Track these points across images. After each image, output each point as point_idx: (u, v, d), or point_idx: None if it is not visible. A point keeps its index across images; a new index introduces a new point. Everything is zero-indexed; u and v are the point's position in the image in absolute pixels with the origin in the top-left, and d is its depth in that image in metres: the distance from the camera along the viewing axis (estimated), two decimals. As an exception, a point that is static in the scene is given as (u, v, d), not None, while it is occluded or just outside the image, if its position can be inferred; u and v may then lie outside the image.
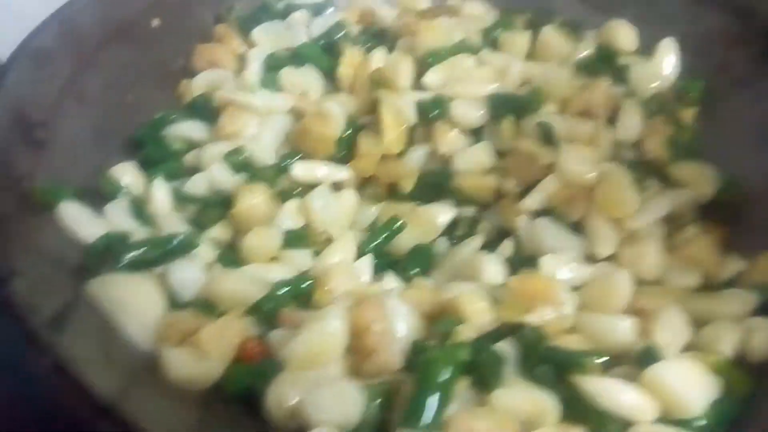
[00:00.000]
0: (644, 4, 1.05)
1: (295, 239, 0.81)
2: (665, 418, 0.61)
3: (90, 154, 0.81)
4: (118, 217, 0.75)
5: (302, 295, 0.73)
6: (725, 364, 0.66)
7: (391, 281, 0.79)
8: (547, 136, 0.86)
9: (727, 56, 1.00)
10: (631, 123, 0.90)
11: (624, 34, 1.03)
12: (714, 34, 1.02)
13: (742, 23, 0.99)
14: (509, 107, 0.90)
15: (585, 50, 1.03)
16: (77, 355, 0.52)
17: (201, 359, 0.60)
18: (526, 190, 0.85)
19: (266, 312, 0.69)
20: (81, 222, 0.70)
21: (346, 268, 0.77)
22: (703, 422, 0.61)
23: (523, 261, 0.79)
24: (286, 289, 0.72)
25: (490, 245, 0.84)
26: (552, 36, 1.03)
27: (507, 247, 0.82)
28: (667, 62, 1.01)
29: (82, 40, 0.86)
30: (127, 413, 0.49)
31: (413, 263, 0.82)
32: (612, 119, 0.91)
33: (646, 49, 1.03)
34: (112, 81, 0.89)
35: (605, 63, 1.00)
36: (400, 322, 0.66)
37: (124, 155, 0.86)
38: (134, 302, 0.63)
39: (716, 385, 0.64)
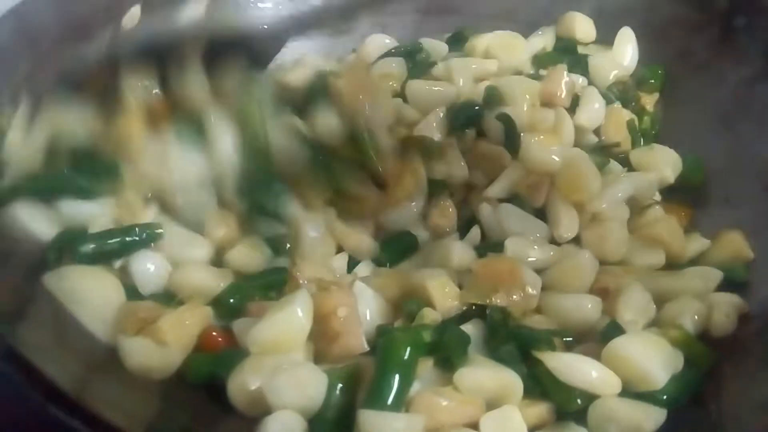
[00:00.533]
0: (601, -5, 1.06)
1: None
2: (628, 391, 0.61)
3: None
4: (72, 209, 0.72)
5: (274, 287, 0.72)
6: (687, 338, 0.67)
7: (364, 269, 0.79)
8: (509, 129, 0.86)
9: (686, 43, 1.01)
10: (592, 109, 0.91)
11: (581, 26, 1.04)
12: (672, 21, 1.03)
13: (699, 9, 1.00)
14: (466, 119, 0.89)
15: (541, 45, 1.04)
16: (32, 345, 0.51)
17: (160, 348, 0.59)
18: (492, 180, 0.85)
19: (231, 304, 0.68)
20: (36, 219, 0.69)
21: (320, 261, 0.76)
22: (665, 395, 0.61)
23: (490, 247, 0.79)
24: (257, 281, 0.72)
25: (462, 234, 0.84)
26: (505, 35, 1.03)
27: (475, 233, 0.82)
28: (625, 51, 1.02)
29: (38, 38, 0.84)
30: (84, 400, 0.47)
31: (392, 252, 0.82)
32: (573, 107, 0.92)
33: (605, 40, 1.05)
34: (68, 79, 0.87)
35: (564, 54, 1.01)
36: (365, 306, 0.66)
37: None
38: (91, 293, 0.62)
39: (678, 359, 0.65)
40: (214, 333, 0.63)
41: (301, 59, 1.00)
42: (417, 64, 0.96)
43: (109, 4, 0.96)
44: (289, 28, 1.12)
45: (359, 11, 1.16)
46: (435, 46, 1.04)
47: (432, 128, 0.88)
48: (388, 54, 0.98)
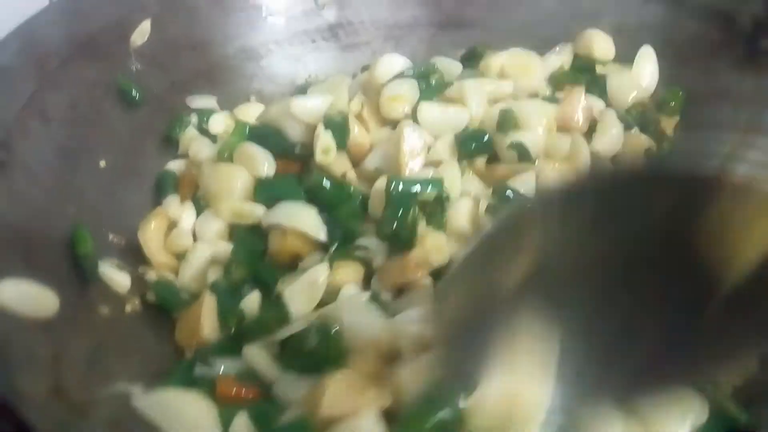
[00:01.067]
0: (620, 13, 1.03)
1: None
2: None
3: (53, 174, 0.78)
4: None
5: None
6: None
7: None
8: (523, 156, 0.84)
9: (708, 63, 0.99)
10: (610, 135, 0.88)
11: (600, 44, 1.01)
12: (694, 41, 1.00)
13: (722, 29, 0.97)
14: (476, 147, 0.87)
15: (558, 63, 1.01)
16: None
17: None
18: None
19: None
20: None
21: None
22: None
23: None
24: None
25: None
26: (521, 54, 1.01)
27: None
28: (645, 70, 0.99)
29: (45, 57, 0.83)
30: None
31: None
32: (590, 131, 0.89)
33: (624, 58, 1.02)
34: (78, 99, 0.86)
35: (581, 74, 0.98)
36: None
37: (89, 176, 0.83)
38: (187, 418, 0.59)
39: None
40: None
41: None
42: (430, 86, 0.94)
43: (119, 20, 0.95)
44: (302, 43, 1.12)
45: (372, 26, 1.14)
46: (448, 65, 1.02)
47: (442, 153, 0.85)
48: (400, 75, 0.96)
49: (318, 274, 0.71)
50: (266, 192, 0.83)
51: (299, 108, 0.89)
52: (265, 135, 0.90)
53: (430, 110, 0.89)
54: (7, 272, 0.62)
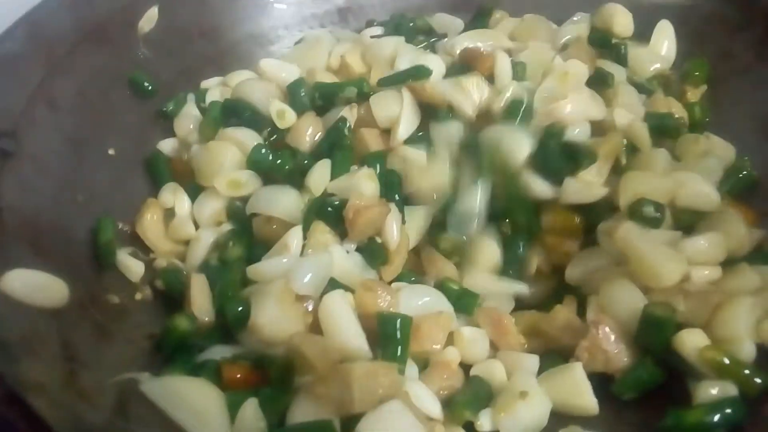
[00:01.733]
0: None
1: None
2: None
3: (62, 163, 0.77)
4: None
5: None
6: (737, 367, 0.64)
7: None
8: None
9: (727, 43, 0.96)
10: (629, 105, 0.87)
11: (620, 19, 0.98)
12: (713, 20, 0.98)
13: (741, 9, 0.95)
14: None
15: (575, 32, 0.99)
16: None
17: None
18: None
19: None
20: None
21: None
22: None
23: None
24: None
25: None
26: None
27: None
28: (663, 44, 0.97)
29: (53, 44, 0.82)
30: None
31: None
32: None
33: (641, 36, 0.99)
34: (86, 87, 0.85)
35: (599, 45, 0.96)
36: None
37: (98, 165, 0.82)
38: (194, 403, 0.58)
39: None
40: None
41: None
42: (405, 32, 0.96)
43: (126, 6, 0.94)
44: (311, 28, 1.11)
45: (382, 9, 1.12)
46: (449, 21, 1.03)
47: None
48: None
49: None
50: (259, 159, 0.83)
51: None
52: (239, 109, 0.90)
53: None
54: (16, 263, 0.61)
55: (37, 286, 0.61)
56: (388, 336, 0.63)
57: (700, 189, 0.77)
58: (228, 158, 0.83)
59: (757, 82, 0.91)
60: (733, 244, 0.74)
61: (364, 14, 1.12)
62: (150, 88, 0.92)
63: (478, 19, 1.04)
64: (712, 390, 0.64)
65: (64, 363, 0.56)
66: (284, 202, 0.77)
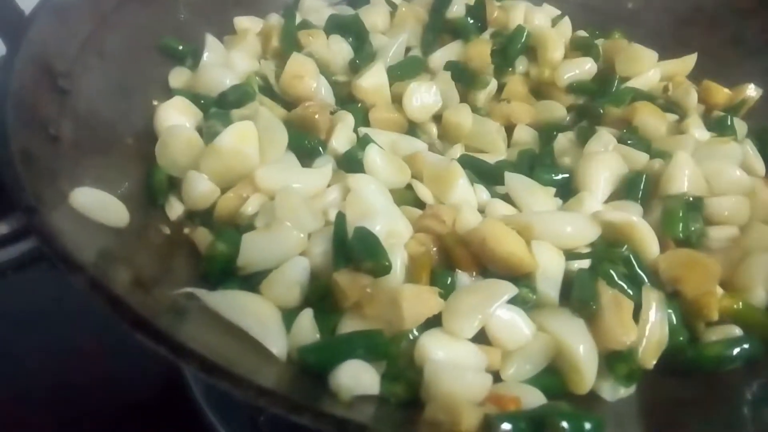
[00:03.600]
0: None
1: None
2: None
3: (110, 105, 0.80)
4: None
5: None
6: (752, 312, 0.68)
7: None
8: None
9: (738, 29, 1.01)
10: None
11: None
12: (724, 6, 1.03)
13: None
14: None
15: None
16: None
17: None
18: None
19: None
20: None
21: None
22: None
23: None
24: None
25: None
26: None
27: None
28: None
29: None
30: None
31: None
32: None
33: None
34: (131, 41, 0.88)
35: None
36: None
37: (144, 113, 0.85)
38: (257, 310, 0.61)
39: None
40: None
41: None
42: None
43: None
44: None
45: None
46: None
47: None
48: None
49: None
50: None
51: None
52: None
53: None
54: (80, 182, 0.64)
55: (102, 204, 0.64)
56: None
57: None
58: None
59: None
60: (758, 209, 0.79)
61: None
62: (182, 49, 0.95)
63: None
64: (728, 332, 0.68)
65: (132, 272, 0.59)
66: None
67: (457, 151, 0.90)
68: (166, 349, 0.44)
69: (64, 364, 0.88)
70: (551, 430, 0.50)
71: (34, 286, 0.94)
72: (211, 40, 0.94)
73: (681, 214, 0.73)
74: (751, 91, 0.98)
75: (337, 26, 1.00)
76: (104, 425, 0.82)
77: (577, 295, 0.65)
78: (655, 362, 0.64)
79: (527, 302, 0.64)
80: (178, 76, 0.93)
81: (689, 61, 1.02)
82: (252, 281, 0.66)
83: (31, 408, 0.84)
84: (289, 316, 0.62)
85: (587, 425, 0.51)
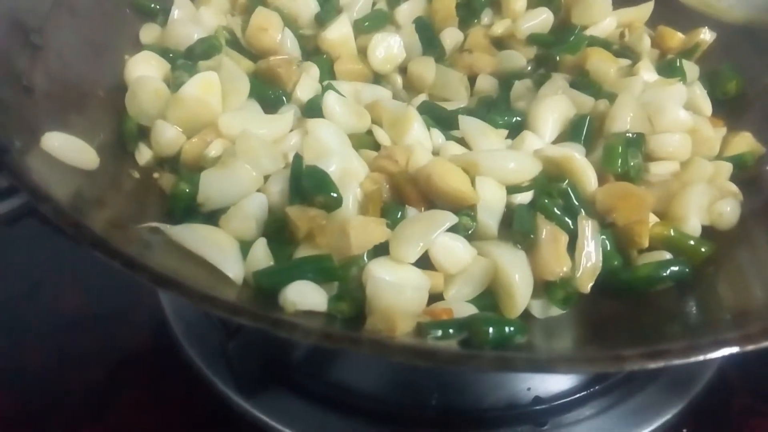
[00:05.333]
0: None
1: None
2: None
3: (82, 60, 0.84)
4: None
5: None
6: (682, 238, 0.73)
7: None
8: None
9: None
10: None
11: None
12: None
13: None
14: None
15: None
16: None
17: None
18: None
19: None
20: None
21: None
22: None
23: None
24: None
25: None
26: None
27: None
28: None
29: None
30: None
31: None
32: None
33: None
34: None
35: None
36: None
37: (114, 67, 0.89)
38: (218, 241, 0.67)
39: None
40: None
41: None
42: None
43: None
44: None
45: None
46: None
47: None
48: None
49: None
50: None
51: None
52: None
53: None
54: (51, 127, 0.69)
55: (72, 148, 0.69)
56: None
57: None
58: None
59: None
60: (699, 146, 0.84)
61: None
62: (153, 6, 0.99)
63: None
64: (659, 257, 0.73)
65: (104, 213, 0.64)
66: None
67: (420, 100, 0.94)
68: (120, 263, 0.49)
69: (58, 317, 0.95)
70: (477, 334, 0.56)
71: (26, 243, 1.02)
72: None
73: (620, 150, 0.77)
74: (705, 35, 1.01)
75: (302, -20, 1.03)
76: (101, 368, 0.89)
77: (517, 227, 0.70)
78: (590, 286, 0.69)
79: (468, 229, 0.69)
80: (148, 32, 0.96)
81: (646, 8, 1.05)
82: (214, 219, 0.71)
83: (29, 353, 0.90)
84: (247, 247, 0.67)
85: (509, 329, 0.56)
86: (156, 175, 0.80)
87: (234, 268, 0.63)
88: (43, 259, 1.02)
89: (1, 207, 1.08)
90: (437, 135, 0.84)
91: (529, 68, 1.02)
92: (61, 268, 1.00)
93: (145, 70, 0.85)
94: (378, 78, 0.99)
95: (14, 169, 0.58)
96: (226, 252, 0.64)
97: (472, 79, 0.99)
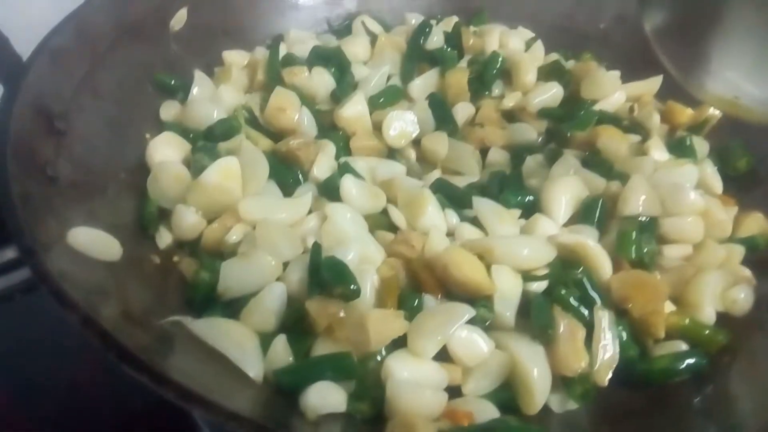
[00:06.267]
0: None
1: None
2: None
3: (105, 142, 0.86)
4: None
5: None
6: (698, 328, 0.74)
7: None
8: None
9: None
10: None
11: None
12: None
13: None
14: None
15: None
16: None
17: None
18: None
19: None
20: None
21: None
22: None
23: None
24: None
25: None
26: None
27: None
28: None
29: (96, 40, 0.92)
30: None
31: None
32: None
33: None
34: (125, 78, 0.95)
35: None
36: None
37: (137, 147, 0.91)
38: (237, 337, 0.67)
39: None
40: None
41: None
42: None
43: (159, 6, 1.04)
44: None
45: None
46: None
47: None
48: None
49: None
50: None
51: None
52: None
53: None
54: (77, 222, 0.71)
55: (97, 241, 0.71)
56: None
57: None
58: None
59: None
60: (712, 228, 0.85)
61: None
62: (174, 83, 1.01)
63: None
64: (675, 347, 0.74)
65: (122, 305, 0.65)
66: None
67: (435, 174, 0.96)
68: (148, 379, 0.50)
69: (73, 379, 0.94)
70: (497, 442, 0.56)
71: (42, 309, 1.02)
72: (199, 75, 1.00)
73: (634, 236, 0.78)
74: (714, 110, 1.02)
75: (320, 58, 1.06)
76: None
77: (535, 322, 0.70)
78: (608, 379, 0.69)
79: (485, 321, 0.70)
80: (168, 110, 0.98)
81: (655, 82, 1.07)
82: (234, 306, 0.72)
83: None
84: (267, 339, 0.68)
85: (530, 438, 0.57)
86: (176, 258, 0.81)
87: (255, 368, 0.64)
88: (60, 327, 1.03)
89: (20, 275, 1.09)
90: (452, 215, 0.85)
91: (540, 141, 1.03)
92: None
93: (166, 153, 0.87)
94: (393, 152, 1.00)
95: (40, 274, 0.59)
96: (247, 350, 0.65)
97: (483, 152, 1.01)
